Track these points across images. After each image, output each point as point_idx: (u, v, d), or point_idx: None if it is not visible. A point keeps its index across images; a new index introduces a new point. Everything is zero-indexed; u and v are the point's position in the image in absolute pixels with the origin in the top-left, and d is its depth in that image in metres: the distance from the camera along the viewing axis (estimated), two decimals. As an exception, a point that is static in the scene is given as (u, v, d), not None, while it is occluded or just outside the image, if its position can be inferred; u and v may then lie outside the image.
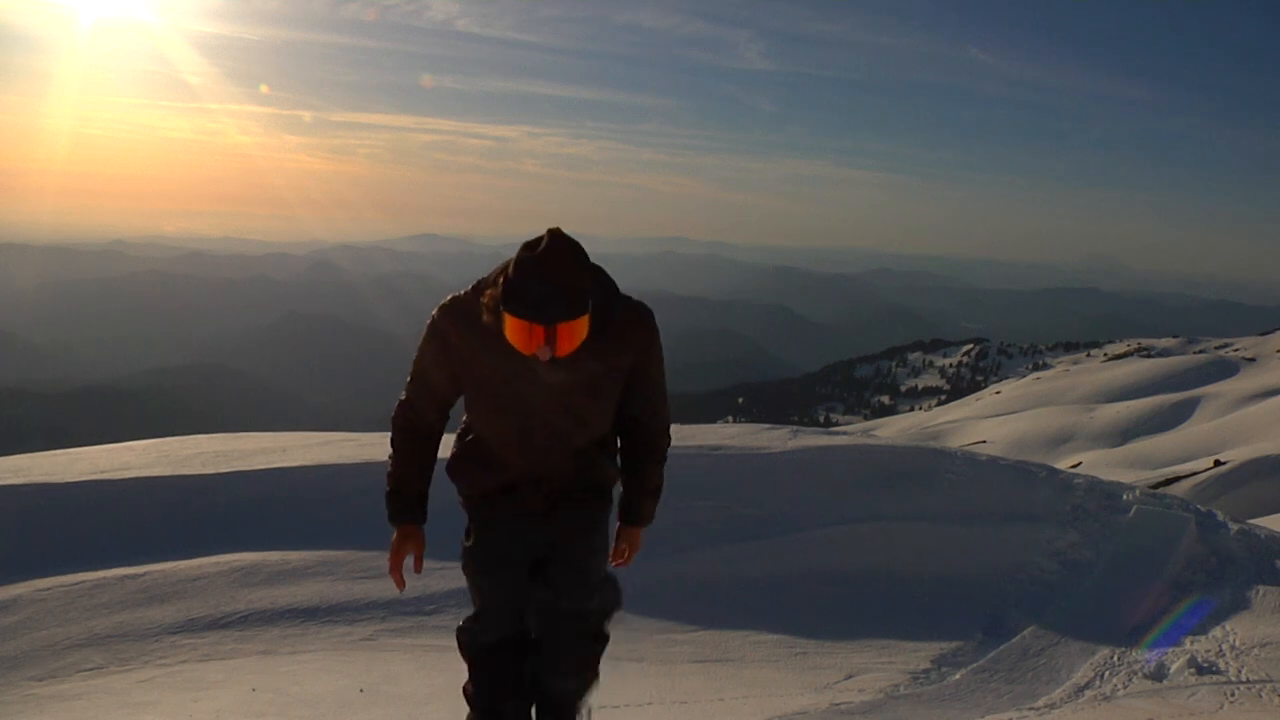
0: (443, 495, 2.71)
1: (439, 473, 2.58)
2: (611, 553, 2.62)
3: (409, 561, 2.53)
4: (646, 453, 2.56)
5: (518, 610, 2.54)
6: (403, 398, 2.49)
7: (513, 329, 2.08)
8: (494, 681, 2.60)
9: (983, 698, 5.23)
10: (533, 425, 2.34)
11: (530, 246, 2.13)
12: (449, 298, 2.35)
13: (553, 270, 2.06)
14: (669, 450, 2.63)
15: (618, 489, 2.64)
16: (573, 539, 2.49)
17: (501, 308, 2.10)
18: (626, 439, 2.56)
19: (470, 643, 2.62)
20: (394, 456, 2.52)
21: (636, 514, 2.63)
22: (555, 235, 2.14)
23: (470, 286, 2.33)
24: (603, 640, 2.63)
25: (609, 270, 2.31)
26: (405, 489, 2.51)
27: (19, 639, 5.08)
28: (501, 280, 2.13)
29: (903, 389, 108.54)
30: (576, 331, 2.09)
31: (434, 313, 2.37)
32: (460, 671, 2.80)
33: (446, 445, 2.61)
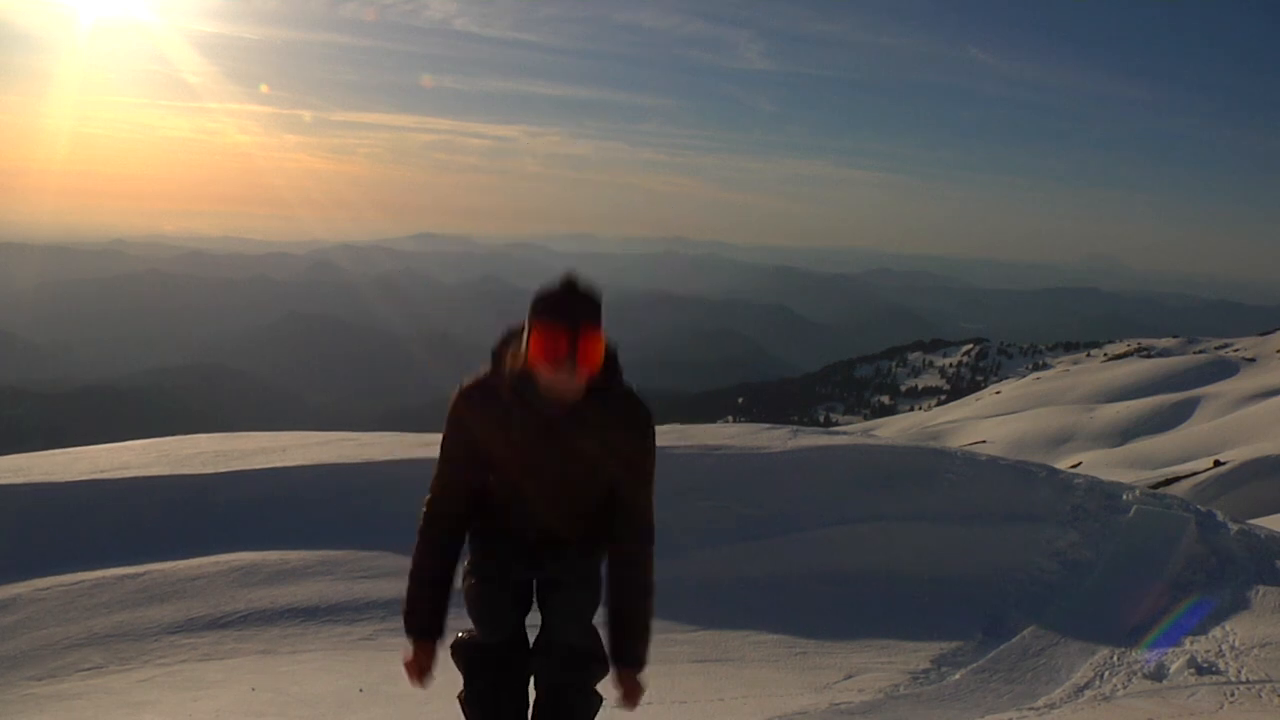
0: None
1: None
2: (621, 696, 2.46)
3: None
4: (628, 572, 2.41)
5: (516, 629, 2.53)
6: (429, 495, 2.44)
7: (538, 341, 2.15)
8: (495, 685, 2.57)
9: (983, 698, 5.22)
10: (555, 494, 2.35)
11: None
12: (466, 381, 2.33)
13: (576, 287, 2.20)
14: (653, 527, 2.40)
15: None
16: (563, 594, 2.46)
17: (529, 320, 2.17)
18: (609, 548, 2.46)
19: (468, 649, 2.57)
20: (415, 569, 2.43)
21: (629, 655, 2.43)
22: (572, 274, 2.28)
23: (488, 363, 2.34)
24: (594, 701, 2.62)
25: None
26: (421, 608, 2.44)
27: (19, 639, 5.08)
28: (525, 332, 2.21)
29: (903, 389, 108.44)
30: (595, 350, 2.16)
31: (453, 398, 2.34)
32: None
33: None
